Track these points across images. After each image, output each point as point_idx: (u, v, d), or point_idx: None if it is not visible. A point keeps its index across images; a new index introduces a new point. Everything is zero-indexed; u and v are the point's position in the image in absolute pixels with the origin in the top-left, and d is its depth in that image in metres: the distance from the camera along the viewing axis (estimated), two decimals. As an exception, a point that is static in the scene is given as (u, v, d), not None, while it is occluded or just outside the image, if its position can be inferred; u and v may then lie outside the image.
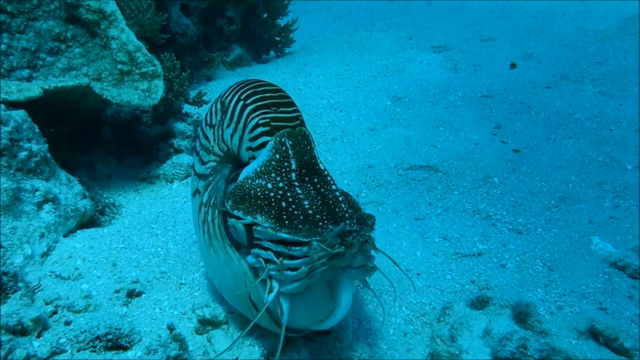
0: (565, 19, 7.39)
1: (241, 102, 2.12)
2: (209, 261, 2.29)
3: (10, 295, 2.52)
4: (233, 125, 2.14)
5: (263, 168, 1.92)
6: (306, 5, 13.16)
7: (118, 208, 3.90)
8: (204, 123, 2.45)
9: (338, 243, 1.74)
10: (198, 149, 2.46)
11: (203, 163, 2.40)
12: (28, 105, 3.39)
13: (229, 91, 2.27)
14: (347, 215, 1.84)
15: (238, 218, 1.88)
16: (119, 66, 4.25)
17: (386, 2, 12.56)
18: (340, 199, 1.89)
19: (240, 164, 2.17)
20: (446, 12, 9.91)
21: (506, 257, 2.79)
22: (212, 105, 2.40)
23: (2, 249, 2.78)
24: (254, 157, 2.02)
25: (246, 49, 7.96)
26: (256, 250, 1.88)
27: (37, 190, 3.15)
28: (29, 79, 4.40)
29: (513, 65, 5.70)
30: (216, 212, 2.12)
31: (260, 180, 1.90)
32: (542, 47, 6.28)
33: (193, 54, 7.33)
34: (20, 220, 2.95)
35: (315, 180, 1.91)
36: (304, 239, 1.73)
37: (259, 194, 1.86)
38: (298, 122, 2.06)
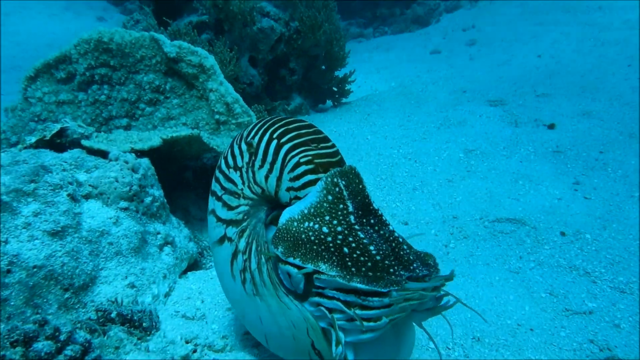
0: (617, 78, 7.57)
1: (275, 141, 2.02)
2: (252, 311, 2.14)
3: (151, 333, 2.68)
4: (267, 165, 2.04)
5: (313, 210, 1.81)
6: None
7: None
8: (224, 165, 2.31)
9: (420, 292, 1.63)
10: (219, 194, 2.31)
11: (230, 208, 2.24)
12: (143, 153, 3.64)
13: (254, 131, 2.16)
14: (412, 258, 1.76)
15: (293, 265, 1.78)
16: (216, 116, 4.51)
17: (428, 56, 12.95)
18: (400, 240, 1.81)
19: (277, 205, 2.08)
20: (491, 67, 10.20)
21: (619, 317, 2.87)
22: (232, 147, 2.29)
23: (134, 289, 2.95)
24: (297, 197, 1.93)
25: (305, 98, 8.28)
26: (317, 299, 1.77)
27: (158, 233, 3.35)
28: (127, 127, 4.69)
29: (552, 126, 5.83)
30: (263, 259, 2.01)
31: (312, 224, 1.79)
32: (600, 105, 6.45)
33: (257, 103, 7.66)
34: (147, 261, 3.14)
35: (372, 221, 1.82)
36: (383, 289, 1.63)
37: (314, 238, 1.75)
38: (339, 156, 2.00)
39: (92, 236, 2.91)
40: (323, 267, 1.71)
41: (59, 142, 3.57)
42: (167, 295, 3.15)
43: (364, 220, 1.80)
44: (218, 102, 4.50)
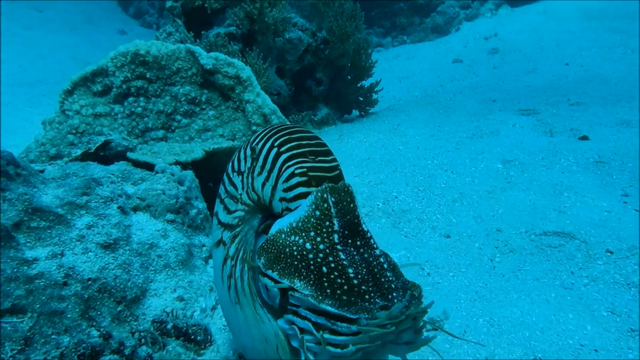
0: (653, 88, 7.45)
1: (275, 149, 1.96)
2: (233, 319, 2.12)
3: (205, 347, 2.63)
4: (265, 173, 1.98)
5: (301, 224, 1.74)
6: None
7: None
8: (230, 169, 2.28)
9: (388, 321, 1.52)
10: (223, 197, 2.29)
11: (229, 212, 2.21)
12: (186, 165, 3.62)
13: (260, 137, 2.11)
14: (393, 286, 1.65)
15: (271, 278, 1.71)
16: (253, 127, 4.48)
17: (450, 65, 12.87)
18: (385, 266, 1.70)
19: (271, 215, 2.03)
20: (517, 75, 10.10)
21: (687, 335, 2.76)
22: (240, 151, 2.25)
23: (183, 302, 2.91)
24: (288, 209, 1.87)
25: (331, 109, 8.25)
26: (290, 317, 1.68)
27: (203, 245, 3.31)
28: (163, 139, 4.68)
29: (585, 138, 5.71)
30: (246, 268, 1.96)
31: (297, 238, 1.72)
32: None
33: (284, 113, 7.64)
34: (194, 274, 3.10)
35: (358, 243, 1.72)
36: (351, 316, 1.54)
37: (296, 254, 1.69)
38: (337, 172, 1.91)
39: (142, 249, 2.88)
40: (298, 284, 1.63)
41: (103, 155, 3.57)
42: (213, 308, 3.10)
43: (349, 241, 1.71)
44: (255, 114, 4.48)
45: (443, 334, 2.86)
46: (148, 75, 4.59)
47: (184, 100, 4.65)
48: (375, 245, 1.75)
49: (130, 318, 2.65)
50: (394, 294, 1.61)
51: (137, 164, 3.36)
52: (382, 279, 1.64)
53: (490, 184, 4.80)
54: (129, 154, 3.41)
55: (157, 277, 2.88)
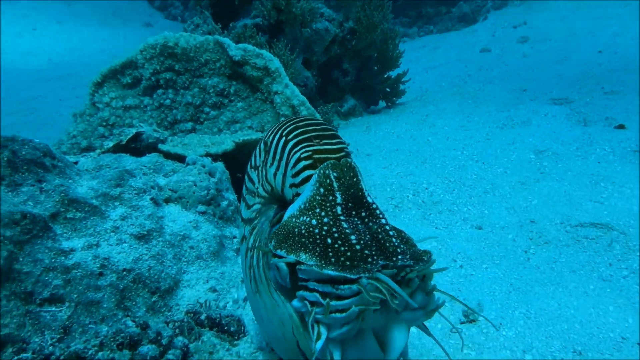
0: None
1: (283, 139, 2.03)
2: (256, 309, 2.14)
3: (238, 337, 2.63)
4: (276, 163, 2.05)
5: (307, 204, 1.78)
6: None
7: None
8: (248, 166, 2.37)
9: (393, 279, 1.54)
10: (244, 194, 2.38)
11: (248, 207, 2.30)
12: (216, 157, 3.62)
13: (272, 130, 2.19)
14: (398, 250, 1.66)
15: (280, 257, 1.73)
16: (281, 119, 4.46)
17: (477, 54, 12.65)
18: (390, 233, 1.72)
19: (284, 204, 2.07)
20: (548, 64, 9.86)
21: None
22: (256, 147, 2.33)
23: (215, 293, 2.91)
24: (297, 194, 1.91)
25: (357, 100, 8.19)
26: (302, 293, 1.67)
27: (234, 237, 3.31)
28: (191, 131, 4.70)
29: (621, 127, 5.52)
30: (260, 255, 2.00)
31: (305, 217, 1.76)
32: (677, 102, 6.11)
33: (311, 105, 7.62)
34: (226, 265, 3.10)
35: (363, 214, 1.75)
36: (352, 276, 1.55)
37: (303, 231, 1.72)
38: (343, 153, 1.94)
39: (175, 240, 2.90)
40: (303, 257, 1.65)
41: (134, 147, 3.59)
42: (245, 299, 3.10)
43: (353, 212, 1.74)
44: (284, 105, 4.46)
45: (477, 327, 2.81)
46: (177, 67, 4.61)
47: (213, 92, 4.66)
48: (381, 216, 1.76)
49: (164, 308, 2.67)
50: (399, 257, 1.61)
51: (168, 155, 3.37)
52: (387, 244, 1.65)
53: (523, 175, 4.70)
54: (160, 146, 3.43)
55: (189, 268, 2.89)
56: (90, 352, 1.92)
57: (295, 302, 1.71)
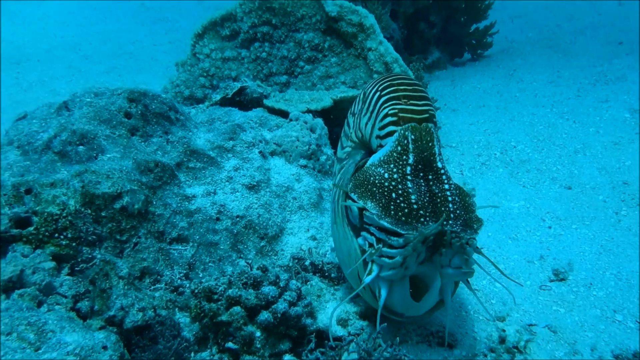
0: None
1: (377, 93, 2.24)
2: (334, 237, 2.43)
3: (339, 283, 2.87)
4: (368, 114, 2.26)
5: (385, 158, 2.01)
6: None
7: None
8: (349, 112, 2.63)
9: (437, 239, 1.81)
10: (341, 135, 2.69)
11: (342, 147, 2.61)
12: (315, 113, 3.80)
13: (371, 84, 2.39)
14: (452, 215, 1.88)
15: (353, 200, 2.00)
16: (374, 75, 4.55)
17: (569, 2, 11.87)
18: (449, 198, 1.92)
19: (370, 152, 2.27)
20: (648, 13, 9.16)
21: None
22: (357, 97, 2.56)
23: (315, 241, 3.16)
24: (381, 146, 2.11)
25: (441, 52, 8.05)
26: (364, 233, 2.00)
27: (331, 189, 3.54)
28: (286, 84, 4.88)
29: None
30: (340, 192, 2.23)
31: (380, 169, 1.99)
32: None
33: (395, 57, 7.59)
34: (324, 216, 3.33)
35: (430, 177, 1.95)
36: (401, 231, 1.82)
37: (376, 181, 1.96)
38: (427, 115, 2.08)
39: (280, 191, 3.15)
40: (370, 205, 1.91)
41: (238, 100, 3.84)
42: (341, 248, 3.35)
43: (421, 174, 1.95)
44: (377, 62, 4.52)
45: (567, 285, 2.89)
46: (274, 21, 4.75)
47: (307, 46, 4.77)
48: (446, 181, 1.97)
49: (271, 253, 2.96)
50: (450, 222, 1.86)
51: (272, 110, 3.59)
52: (442, 208, 1.89)
53: (617, 135, 4.58)
54: (265, 101, 3.64)
55: (292, 217, 3.15)
56: (220, 288, 2.20)
57: (360, 240, 2.05)
